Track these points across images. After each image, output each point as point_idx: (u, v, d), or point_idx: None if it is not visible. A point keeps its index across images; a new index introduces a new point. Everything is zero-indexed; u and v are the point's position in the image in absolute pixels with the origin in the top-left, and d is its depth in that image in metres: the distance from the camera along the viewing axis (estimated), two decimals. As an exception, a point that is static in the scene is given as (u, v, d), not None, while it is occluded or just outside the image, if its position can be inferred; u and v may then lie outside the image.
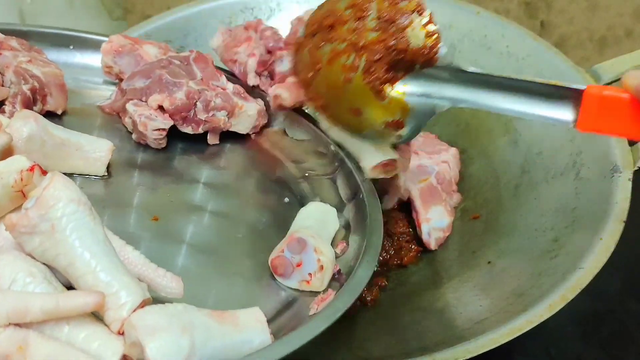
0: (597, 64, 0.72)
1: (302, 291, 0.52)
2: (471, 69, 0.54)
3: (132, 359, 0.39)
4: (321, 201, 0.59)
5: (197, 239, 0.54)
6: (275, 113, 0.67)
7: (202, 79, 0.64)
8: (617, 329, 0.68)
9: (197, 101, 0.62)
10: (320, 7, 0.60)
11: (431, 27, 0.54)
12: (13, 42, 0.64)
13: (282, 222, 0.56)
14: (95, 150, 0.56)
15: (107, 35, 0.68)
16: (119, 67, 0.66)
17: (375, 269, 0.51)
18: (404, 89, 0.55)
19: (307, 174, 0.63)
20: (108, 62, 0.66)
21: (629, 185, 0.61)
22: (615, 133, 0.52)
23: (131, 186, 0.58)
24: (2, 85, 0.59)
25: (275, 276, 0.52)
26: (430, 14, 0.55)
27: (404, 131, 0.57)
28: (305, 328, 0.44)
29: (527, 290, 0.58)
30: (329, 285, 0.51)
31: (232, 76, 0.68)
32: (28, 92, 0.59)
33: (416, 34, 0.54)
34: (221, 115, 0.63)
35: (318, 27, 0.58)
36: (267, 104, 0.66)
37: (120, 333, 0.40)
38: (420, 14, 0.55)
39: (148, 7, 1.04)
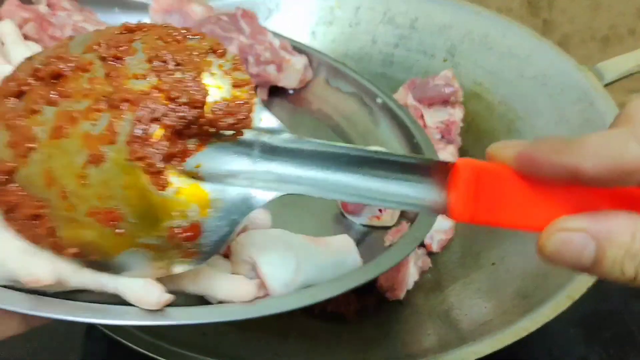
0: (599, 63, 0.72)
1: (373, 227, 0.52)
2: (307, 139, 0.36)
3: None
4: None
5: None
6: (317, 67, 0.67)
7: (250, 34, 0.65)
8: (620, 330, 0.68)
9: (248, 55, 0.64)
10: (29, 59, 0.37)
11: (240, 75, 0.36)
12: (65, 2, 0.64)
13: None
14: None
15: None
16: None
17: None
18: (200, 170, 0.34)
19: (357, 126, 0.62)
20: (158, 20, 0.66)
21: (635, 184, 0.61)
22: (495, 222, 0.35)
23: None
24: None
25: (345, 214, 0.52)
26: (238, 58, 0.37)
27: (203, 241, 0.35)
28: (390, 253, 0.45)
29: (532, 291, 0.58)
30: (399, 220, 0.52)
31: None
32: None
33: (218, 81, 0.35)
34: (271, 70, 0.64)
35: (24, 84, 0.35)
36: (310, 59, 0.66)
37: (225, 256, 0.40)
38: (221, 56, 0.36)
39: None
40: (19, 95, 0.35)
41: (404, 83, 0.76)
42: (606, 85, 0.70)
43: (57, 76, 0.35)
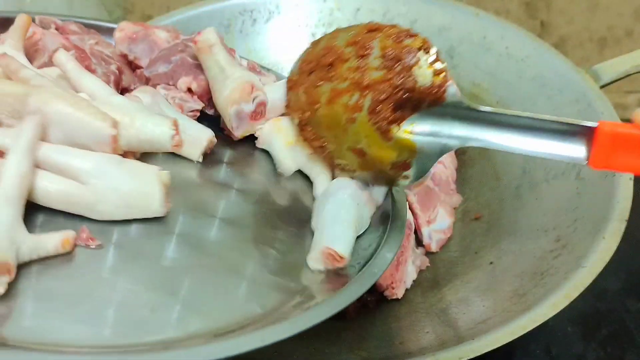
0: (597, 64, 0.72)
1: None
2: (482, 107, 0.52)
3: None
4: None
5: (227, 213, 0.54)
6: None
7: None
8: (617, 328, 0.68)
9: None
10: (315, 44, 0.59)
11: (439, 65, 0.53)
12: (72, 26, 0.64)
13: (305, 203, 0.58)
14: (196, 136, 0.57)
15: (113, 22, 0.68)
16: (134, 54, 0.65)
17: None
18: (411, 129, 0.53)
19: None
20: (123, 49, 0.65)
21: (631, 184, 0.61)
22: (630, 170, 0.50)
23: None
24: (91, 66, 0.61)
25: None
26: (438, 51, 0.53)
27: (412, 172, 0.54)
28: (338, 298, 0.47)
29: (530, 290, 0.58)
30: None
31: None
32: (117, 71, 0.62)
33: (423, 72, 0.52)
34: None
35: (315, 65, 0.56)
36: (279, 78, 0.67)
37: None
38: (426, 52, 0.53)
39: (148, 7, 1.04)
40: (310, 73, 0.56)
41: (403, 84, 0.77)
42: (603, 87, 0.71)
43: (330, 64, 0.55)
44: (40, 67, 0.59)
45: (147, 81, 0.63)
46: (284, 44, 0.87)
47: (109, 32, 0.68)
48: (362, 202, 0.54)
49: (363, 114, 0.53)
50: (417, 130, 0.53)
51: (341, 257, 0.49)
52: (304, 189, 0.59)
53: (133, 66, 0.66)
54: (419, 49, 0.53)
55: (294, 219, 0.55)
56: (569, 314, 0.55)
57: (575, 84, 0.71)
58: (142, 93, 0.59)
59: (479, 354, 0.51)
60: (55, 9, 0.70)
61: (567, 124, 0.50)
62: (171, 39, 0.66)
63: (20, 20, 0.60)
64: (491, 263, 0.65)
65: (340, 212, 0.52)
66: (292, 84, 0.59)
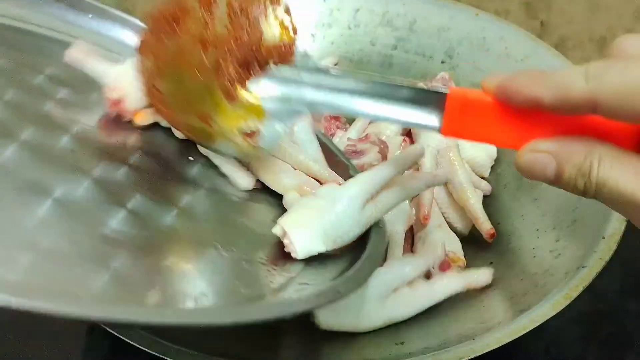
0: (596, 64, 0.72)
1: None
2: (332, 70, 0.49)
3: None
4: None
5: (189, 206, 0.52)
6: None
7: None
8: (617, 330, 0.68)
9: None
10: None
11: (288, 21, 0.49)
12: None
13: None
14: None
15: (125, 12, 0.67)
16: None
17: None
18: (258, 92, 0.49)
19: None
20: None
21: (630, 184, 0.61)
22: (479, 139, 0.45)
23: None
24: None
25: None
26: (287, 6, 0.49)
27: (262, 139, 0.51)
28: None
29: (530, 290, 0.58)
30: None
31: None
32: None
33: (271, 28, 0.49)
34: None
35: (161, 21, 0.51)
36: None
37: None
38: (274, 4, 0.49)
39: (148, 7, 1.04)
40: (157, 29, 0.51)
41: (402, 85, 0.76)
42: (602, 87, 0.71)
43: (175, 18, 0.49)
44: None
45: None
46: (283, 44, 0.86)
47: (116, 18, 0.67)
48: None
49: (206, 72, 0.48)
50: (265, 93, 0.49)
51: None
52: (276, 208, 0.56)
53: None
54: (267, 2, 0.49)
55: (262, 231, 0.52)
56: (569, 314, 0.54)
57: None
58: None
59: (479, 353, 0.51)
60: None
61: (419, 89, 0.46)
62: None
63: None
64: (491, 263, 0.65)
65: None
66: (142, 45, 0.53)
